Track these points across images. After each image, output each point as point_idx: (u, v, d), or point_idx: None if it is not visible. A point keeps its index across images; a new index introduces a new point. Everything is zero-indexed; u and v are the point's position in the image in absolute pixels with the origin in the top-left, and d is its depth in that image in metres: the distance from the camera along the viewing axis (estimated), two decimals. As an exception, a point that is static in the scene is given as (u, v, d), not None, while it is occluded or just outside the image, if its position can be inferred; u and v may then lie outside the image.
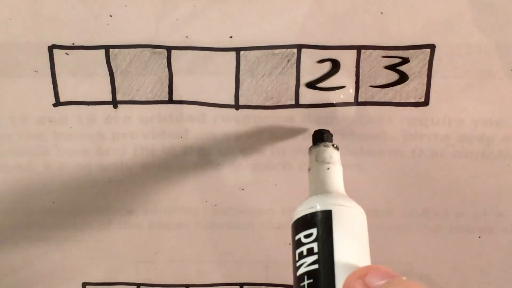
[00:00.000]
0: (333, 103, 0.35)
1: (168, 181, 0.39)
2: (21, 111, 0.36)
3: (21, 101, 0.36)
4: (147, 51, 0.34)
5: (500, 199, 0.38)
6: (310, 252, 0.28)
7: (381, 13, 0.33)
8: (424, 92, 0.35)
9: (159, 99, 0.36)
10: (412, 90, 0.35)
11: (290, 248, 0.41)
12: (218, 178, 0.38)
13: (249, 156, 0.38)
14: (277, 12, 0.33)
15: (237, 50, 0.34)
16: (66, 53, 0.35)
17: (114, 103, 0.36)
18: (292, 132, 0.37)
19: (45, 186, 0.39)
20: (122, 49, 0.34)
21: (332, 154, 0.33)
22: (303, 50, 0.34)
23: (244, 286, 0.43)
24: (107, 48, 0.34)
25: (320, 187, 0.32)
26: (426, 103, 0.35)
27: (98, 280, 0.43)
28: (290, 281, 0.42)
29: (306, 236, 0.29)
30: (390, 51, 0.34)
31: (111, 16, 0.33)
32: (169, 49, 0.34)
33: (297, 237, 0.30)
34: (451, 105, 0.35)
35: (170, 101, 0.36)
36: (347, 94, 0.35)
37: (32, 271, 0.42)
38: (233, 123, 0.37)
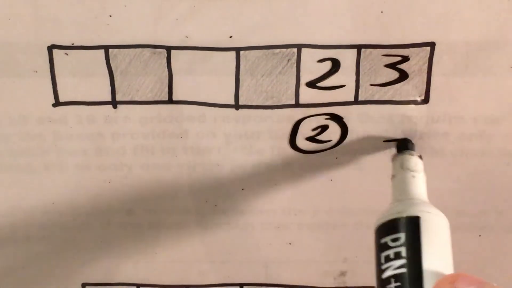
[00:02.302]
0: (333, 103, 0.36)
1: (168, 181, 0.39)
2: (21, 111, 0.36)
3: (21, 101, 0.36)
4: (146, 51, 0.34)
5: (500, 197, 0.38)
6: (397, 256, 0.29)
7: (381, 12, 0.33)
8: (424, 90, 0.35)
9: (159, 99, 0.36)
10: (412, 88, 0.35)
11: (289, 248, 0.41)
12: (218, 178, 0.38)
13: (249, 156, 0.38)
14: (277, 12, 0.33)
15: (237, 50, 0.34)
16: (66, 53, 0.35)
17: (114, 103, 0.36)
18: (292, 132, 0.37)
19: (45, 186, 0.39)
20: (121, 49, 0.34)
21: (417, 163, 0.34)
22: (303, 50, 0.34)
23: (244, 286, 0.43)
24: (106, 48, 0.34)
25: (405, 193, 0.33)
26: (426, 101, 0.35)
27: (97, 280, 0.43)
28: (290, 281, 0.43)
29: (394, 240, 0.30)
30: (390, 49, 0.34)
31: (110, 16, 0.33)
32: (168, 49, 0.34)
33: (383, 241, 0.30)
34: (451, 102, 0.35)
35: (170, 101, 0.36)
36: (348, 93, 0.35)
37: (32, 271, 0.42)
38: (233, 123, 0.37)
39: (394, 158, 0.35)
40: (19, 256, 0.41)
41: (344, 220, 0.40)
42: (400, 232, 0.30)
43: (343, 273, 0.42)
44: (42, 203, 0.39)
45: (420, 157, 0.34)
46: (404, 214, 0.31)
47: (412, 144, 0.36)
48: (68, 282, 0.42)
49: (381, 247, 0.30)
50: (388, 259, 0.29)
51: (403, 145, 0.35)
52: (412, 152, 0.35)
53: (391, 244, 0.30)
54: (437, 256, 0.29)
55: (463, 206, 0.39)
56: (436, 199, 0.38)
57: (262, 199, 0.39)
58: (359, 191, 0.38)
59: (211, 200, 0.39)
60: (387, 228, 0.31)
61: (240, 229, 0.40)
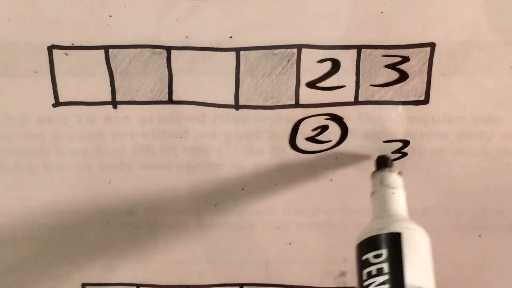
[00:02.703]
0: (333, 103, 0.36)
1: (168, 181, 0.39)
2: (21, 111, 0.36)
3: (21, 101, 0.36)
4: (146, 51, 0.34)
5: (500, 197, 0.38)
6: (380, 272, 0.30)
7: (381, 12, 0.33)
8: (424, 90, 0.35)
9: (158, 99, 0.36)
10: (412, 88, 0.35)
11: (289, 248, 0.41)
12: (218, 178, 0.38)
13: (249, 156, 0.38)
14: (277, 12, 0.33)
15: (237, 50, 0.34)
16: (66, 53, 0.35)
17: (114, 103, 0.36)
18: (292, 132, 0.37)
19: (45, 186, 0.39)
20: (121, 49, 0.34)
21: (396, 179, 0.34)
22: (303, 50, 0.34)
23: (244, 286, 0.43)
24: (106, 48, 0.34)
25: (385, 210, 0.33)
26: (426, 101, 0.35)
27: (97, 280, 0.43)
28: (290, 281, 0.43)
29: (376, 256, 0.30)
30: (390, 50, 0.34)
31: (110, 16, 0.33)
32: (168, 49, 0.34)
33: (364, 257, 0.31)
34: (451, 103, 0.35)
35: (170, 101, 0.36)
36: (348, 94, 0.35)
37: (32, 271, 0.42)
38: (233, 123, 0.37)
39: (373, 175, 0.35)
40: (19, 256, 0.41)
41: (344, 220, 0.40)
42: (382, 249, 0.30)
43: (343, 273, 0.42)
44: (42, 203, 0.39)
45: (400, 173, 0.35)
46: (386, 231, 0.31)
47: (391, 161, 0.36)
48: (68, 282, 0.42)
49: (363, 264, 0.31)
50: (370, 275, 0.30)
51: (382, 162, 0.35)
52: (391, 168, 0.35)
53: (373, 260, 0.30)
54: (419, 272, 0.30)
55: (463, 206, 0.39)
56: (436, 199, 0.38)
57: (262, 199, 0.39)
58: (359, 191, 0.38)
59: (211, 200, 0.39)
60: (368, 245, 0.31)
61: (240, 229, 0.40)
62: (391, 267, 0.29)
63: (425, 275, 0.30)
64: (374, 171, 0.35)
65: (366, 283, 0.30)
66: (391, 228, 0.31)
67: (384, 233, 0.31)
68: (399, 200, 0.34)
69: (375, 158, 0.36)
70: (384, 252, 0.30)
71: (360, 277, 0.31)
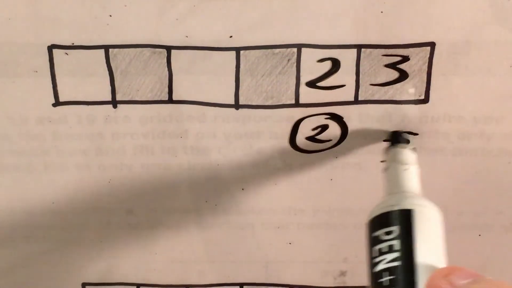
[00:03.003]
0: (333, 102, 0.36)
1: (168, 181, 0.39)
2: (21, 111, 0.36)
3: (21, 101, 0.36)
4: (146, 50, 0.34)
5: (500, 196, 0.38)
6: (391, 249, 0.29)
7: (381, 12, 0.33)
8: (424, 89, 0.35)
9: (159, 99, 0.36)
10: (412, 88, 0.35)
11: (289, 248, 0.41)
12: (218, 178, 0.38)
13: (249, 156, 0.38)
14: (277, 12, 0.33)
15: (237, 49, 0.34)
16: (66, 53, 0.35)
17: (114, 103, 0.36)
18: (292, 132, 0.37)
19: (45, 186, 0.39)
20: (121, 49, 0.34)
21: (409, 155, 0.34)
22: (303, 50, 0.34)
23: (244, 286, 0.43)
24: (106, 48, 0.34)
25: (397, 187, 0.33)
26: (426, 100, 0.35)
27: (97, 280, 0.43)
28: (290, 281, 0.43)
29: (387, 233, 0.30)
30: (390, 49, 0.34)
31: (110, 16, 0.33)
32: (169, 48, 0.34)
33: (375, 234, 0.30)
34: (451, 102, 0.35)
35: (170, 101, 0.36)
36: (348, 93, 0.35)
37: (32, 271, 0.42)
38: (233, 123, 0.37)
39: (386, 151, 0.35)
40: (19, 256, 0.41)
41: (344, 220, 0.40)
42: (394, 226, 0.30)
43: (343, 273, 0.42)
44: (42, 203, 0.39)
45: (414, 149, 0.34)
46: (397, 207, 0.30)
47: (405, 136, 0.35)
48: (68, 282, 0.42)
49: (373, 241, 0.30)
50: (381, 252, 0.29)
51: (396, 138, 0.35)
52: (405, 145, 0.34)
53: (384, 237, 0.30)
54: (431, 250, 0.29)
55: (463, 206, 0.39)
56: (436, 198, 0.38)
57: (262, 199, 0.39)
58: (359, 191, 0.38)
59: (211, 200, 0.39)
60: (380, 222, 0.30)
61: (240, 229, 0.40)
62: (402, 244, 0.29)
63: (436, 253, 0.30)
64: (386, 147, 0.35)
65: (376, 260, 0.29)
66: (403, 205, 0.30)
67: (396, 210, 0.30)
68: (412, 176, 0.33)
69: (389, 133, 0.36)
70: (395, 229, 0.30)
71: (370, 254, 0.30)
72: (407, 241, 0.29)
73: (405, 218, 0.30)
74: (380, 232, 0.30)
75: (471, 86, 0.35)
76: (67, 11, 0.33)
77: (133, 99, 0.36)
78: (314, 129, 0.36)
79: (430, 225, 0.30)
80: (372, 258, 0.30)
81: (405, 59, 0.34)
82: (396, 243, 0.29)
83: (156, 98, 0.36)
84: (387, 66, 0.34)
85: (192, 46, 0.34)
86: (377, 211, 0.31)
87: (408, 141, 0.35)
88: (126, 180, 0.39)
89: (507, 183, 0.38)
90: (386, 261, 0.29)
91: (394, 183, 0.33)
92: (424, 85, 0.35)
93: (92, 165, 0.38)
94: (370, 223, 0.31)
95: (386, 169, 0.34)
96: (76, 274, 0.42)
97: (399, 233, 0.29)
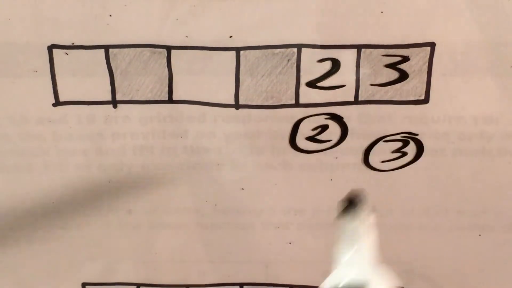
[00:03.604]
0: (333, 102, 0.36)
1: (168, 181, 0.39)
2: (21, 111, 0.36)
3: (21, 101, 0.36)
4: (146, 51, 0.35)
5: (500, 196, 0.38)
6: None
7: (381, 12, 0.33)
8: (424, 90, 0.35)
9: (159, 99, 0.36)
10: (412, 88, 0.35)
11: (290, 248, 0.41)
12: (218, 178, 0.38)
13: (249, 156, 0.38)
14: (277, 12, 0.33)
15: (237, 49, 0.34)
16: (66, 53, 0.35)
17: (114, 103, 0.36)
18: (292, 132, 0.37)
19: (45, 186, 0.39)
20: (121, 49, 0.34)
21: (361, 226, 0.32)
22: (303, 50, 0.34)
23: (244, 286, 0.43)
24: (106, 48, 0.34)
25: (351, 258, 0.32)
26: (426, 101, 0.35)
27: (97, 280, 0.43)
28: (290, 281, 0.43)
29: None
30: (390, 49, 0.34)
31: (110, 16, 0.33)
32: (169, 48, 0.34)
33: None
34: (451, 102, 0.35)
35: (170, 101, 0.36)
36: (348, 93, 0.35)
37: (32, 271, 0.42)
38: (233, 123, 0.37)
39: (339, 219, 0.32)
40: (19, 256, 0.41)
41: (344, 220, 0.40)
42: None
43: (343, 273, 0.42)
44: (42, 203, 0.39)
45: (368, 215, 0.32)
46: (350, 283, 0.30)
47: (357, 204, 0.32)
48: (68, 281, 0.42)
49: None
50: None
51: (348, 208, 0.32)
52: (357, 214, 0.32)
53: None
54: None
55: (463, 206, 0.39)
56: (436, 199, 0.38)
57: (262, 199, 0.39)
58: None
59: (211, 200, 0.39)
60: None
61: (240, 229, 0.40)
62: None
63: None
64: (339, 216, 0.32)
65: None
66: (356, 280, 0.30)
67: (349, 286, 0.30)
68: (366, 247, 0.32)
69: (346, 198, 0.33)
70: None
71: None
72: None
73: None
74: None
75: (471, 86, 0.35)
76: (67, 11, 0.33)
77: (133, 99, 0.36)
78: (314, 129, 0.36)
79: None
80: None
81: (405, 59, 0.34)
82: None
83: (156, 98, 0.36)
84: (387, 66, 0.34)
85: (192, 46, 0.34)
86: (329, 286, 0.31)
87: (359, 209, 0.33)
88: (126, 180, 0.39)
89: (507, 183, 0.38)
90: None
91: (347, 253, 0.32)
92: (424, 85, 0.35)
93: (92, 165, 0.38)
94: None
95: (339, 238, 0.32)
96: (76, 273, 0.42)
97: None
